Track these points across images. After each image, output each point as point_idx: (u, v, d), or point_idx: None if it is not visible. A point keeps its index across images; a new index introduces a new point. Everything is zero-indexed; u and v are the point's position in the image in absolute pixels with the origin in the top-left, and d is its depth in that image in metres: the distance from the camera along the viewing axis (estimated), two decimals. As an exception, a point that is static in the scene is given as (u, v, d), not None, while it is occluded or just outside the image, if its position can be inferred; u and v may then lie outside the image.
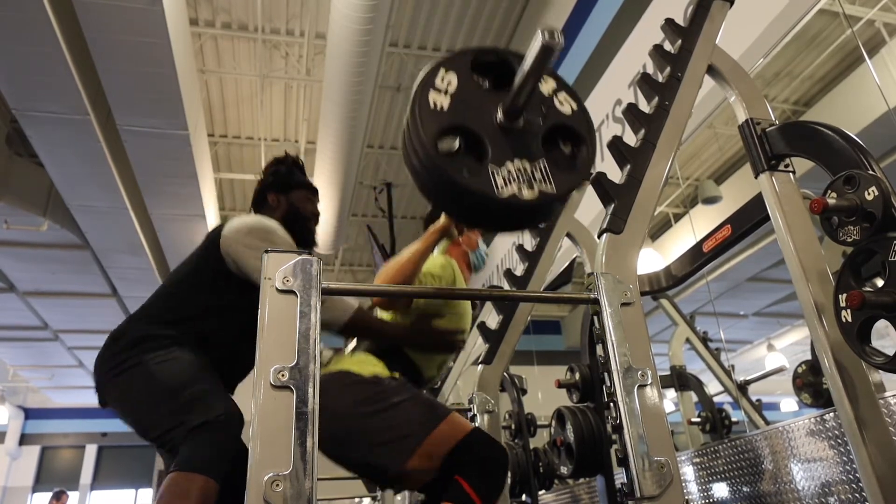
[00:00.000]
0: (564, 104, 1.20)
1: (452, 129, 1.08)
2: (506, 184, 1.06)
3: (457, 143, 1.08)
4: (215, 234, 1.82)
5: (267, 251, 1.00)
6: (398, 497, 3.54)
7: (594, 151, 1.17)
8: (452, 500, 1.47)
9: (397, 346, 1.82)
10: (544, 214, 1.17)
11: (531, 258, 2.64)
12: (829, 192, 1.15)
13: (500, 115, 1.11)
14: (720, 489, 2.11)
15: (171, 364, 1.61)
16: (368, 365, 1.74)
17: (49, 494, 9.93)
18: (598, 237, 1.25)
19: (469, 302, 1.96)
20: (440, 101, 1.09)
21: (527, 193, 1.06)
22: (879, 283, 1.04)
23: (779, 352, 7.51)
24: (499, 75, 1.15)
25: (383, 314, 1.95)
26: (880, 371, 1.10)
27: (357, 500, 6.22)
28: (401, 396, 1.64)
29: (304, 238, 1.98)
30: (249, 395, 0.90)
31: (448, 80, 1.11)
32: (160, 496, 1.42)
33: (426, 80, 1.10)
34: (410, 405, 1.63)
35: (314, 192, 2.08)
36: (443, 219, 1.82)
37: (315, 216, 2.06)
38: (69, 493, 10.07)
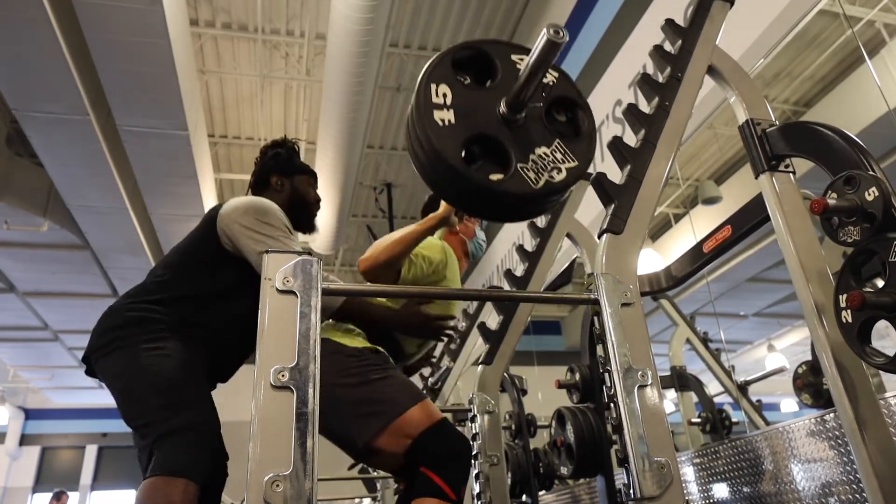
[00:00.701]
0: (548, 76, 1.23)
1: (471, 141, 1.10)
2: (538, 176, 1.11)
3: (471, 150, 1.10)
4: (213, 214, 1.81)
5: (267, 252, 1.00)
6: (397, 496, 3.53)
7: (590, 110, 1.22)
8: (426, 495, 1.49)
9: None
10: (568, 189, 1.21)
11: (531, 258, 2.63)
12: (830, 192, 1.15)
13: (503, 109, 1.13)
14: (720, 490, 2.11)
15: (158, 357, 1.59)
16: (354, 337, 1.76)
17: (49, 495, 9.93)
18: (599, 237, 1.25)
19: (459, 286, 1.97)
20: (446, 116, 1.10)
21: (557, 177, 1.12)
22: (880, 283, 1.04)
23: (779, 352, 7.51)
24: (478, 68, 1.17)
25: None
26: (880, 371, 1.10)
27: (357, 500, 6.22)
28: (380, 374, 1.66)
29: (307, 223, 1.98)
30: (249, 395, 0.90)
31: (442, 93, 1.12)
32: (139, 500, 1.40)
33: (422, 100, 1.10)
34: (388, 383, 1.65)
35: (315, 177, 2.07)
36: (443, 208, 1.81)
37: (317, 202, 2.05)
38: (69, 493, 10.06)
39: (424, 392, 1.72)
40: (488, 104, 1.14)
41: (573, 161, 1.16)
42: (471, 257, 2.13)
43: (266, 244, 1.67)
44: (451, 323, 1.84)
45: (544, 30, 1.01)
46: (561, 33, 1.00)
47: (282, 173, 1.99)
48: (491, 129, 1.11)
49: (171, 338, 1.64)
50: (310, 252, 1.69)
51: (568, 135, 1.19)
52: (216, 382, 1.83)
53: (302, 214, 1.92)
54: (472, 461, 1.69)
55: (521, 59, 1.19)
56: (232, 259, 1.75)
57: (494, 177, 1.08)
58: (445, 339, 1.85)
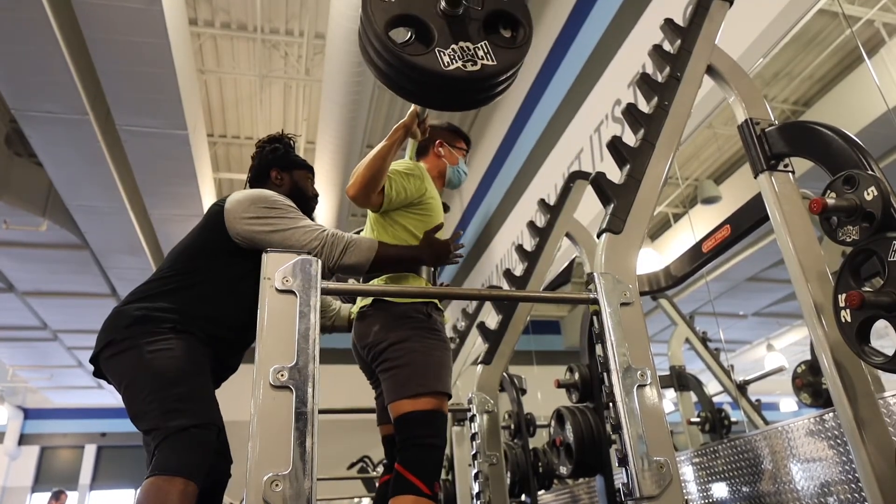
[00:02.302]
0: None
1: (401, 18, 1.24)
2: (451, 61, 1.23)
3: (408, 34, 1.25)
4: (217, 209, 1.81)
5: (266, 251, 1.00)
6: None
7: (531, 32, 1.34)
8: (399, 493, 1.57)
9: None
10: (489, 88, 1.33)
11: (530, 258, 2.64)
12: (829, 192, 1.15)
13: (442, 3, 1.26)
14: (719, 489, 2.11)
15: (164, 357, 1.60)
16: (413, 281, 1.87)
17: (48, 494, 9.92)
18: (598, 237, 1.25)
19: (439, 198, 1.99)
20: None
21: (470, 67, 1.24)
22: (879, 283, 1.04)
23: (778, 352, 7.51)
24: None
25: (369, 232, 1.99)
26: (879, 371, 1.10)
27: (357, 499, 6.22)
28: (439, 343, 1.77)
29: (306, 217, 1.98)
30: (249, 395, 0.90)
31: None
32: (139, 499, 1.42)
33: None
34: (434, 360, 1.73)
35: (312, 172, 2.08)
36: (406, 116, 1.83)
37: (315, 196, 2.07)
38: (68, 493, 10.06)
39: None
40: None
41: (492, 60, 1.26)
42: (448, 183, 2.14)
43: (280, 224, 1.70)
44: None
45: None
46: None
47: (281, 168, 2.00)
48: (422, 13, 1.25)
49: (176, 337, 1.65)
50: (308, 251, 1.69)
51: (500, 44, 1.30)
52: (224, 377, 1.84)
53: (301, 208, 1.92)
54: (443, 456, 1.75)
55: None
56: (241, 252, 1.76)
57: (413, 53, 1.22)
58: (460, 259, 1.92)
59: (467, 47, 1.25)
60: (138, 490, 1.46)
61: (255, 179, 2.02)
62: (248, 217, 1.73)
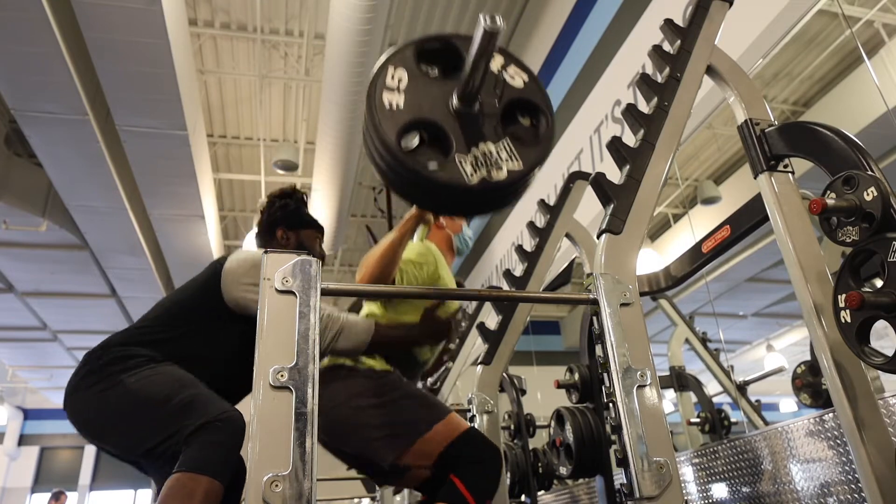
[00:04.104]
0: (516, 77, 1.22)
1: (412, 126, 1.10)
2: (474, 170, 1.09)
3: (417, 139, 1.10)
4: (217, 268, 1.76)
5: (266, 251, 1.00)
6: (397, 497, 3.53)
7: (553, 120, 1.20)
8: (447, 500, 1.49)
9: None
10: (516, 192, 1.19)
11: (530, 258, 2.63)
12: (829, 192, 1.15)
13: (455, 101, 1.13)
14: (719, 490, 2.11)
15: (153, 378, 1.55)
16: (365, 359, 1.75)
17: (48, 495, 9.92)
18: (598, 237, 1.25)
19: (452, 280, 1.96)
20: (394, 99, 1.10)
21: (496, 175, 1.10)
22: (878, 283, 1.04)
23: (778, 352, 7.51)
24: (446, 61, 1.17)
25: (369, 305, 1.95)
26: (879, 371, 1.10)
27: (356, 500, 6.22)
28: (398, 392, 1.67)
29: None
30: (249, 397, 0.90)
31: (398, 77, 1.12)
32: (163, 497, 1.37)
33: (375, 82, 1.11)
34: (408, 402, 1.65)
35: (321, 231, 2.03)
36: (415, 206, 1.82)
37: (323, 257, 2.00)
38: (68, 493, 10.06)
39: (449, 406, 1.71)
40: (444, 95, 1.14)
41: (517, 162, 1.13)
42: (457, 253, 2.13)
43: None
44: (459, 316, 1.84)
45: (480, 18, 1.02)
46: (496, 21, 1.01)
47: (288, 227, 1.95)
48: (435, 116, 1.11)
49: (158, 364, 1.59)
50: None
51: (522, 138, 1.17)
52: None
53: None
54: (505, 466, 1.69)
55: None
56: (233, 317, 1.70)
57: (430, 164, 1.08)
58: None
59: (489, 152, 1.12)
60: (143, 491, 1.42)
61: (261, 235, 1.97)
62: (246, 283, 1.68)
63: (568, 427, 2.29)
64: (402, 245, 1.73)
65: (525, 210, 5.33)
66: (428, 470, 1.58)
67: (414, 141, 1.10)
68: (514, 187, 1.15)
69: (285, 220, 1.95)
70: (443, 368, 3.05)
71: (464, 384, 3.42)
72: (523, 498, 2.93)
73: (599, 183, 1.30)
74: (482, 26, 1.01)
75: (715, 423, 3.60)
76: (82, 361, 1.65)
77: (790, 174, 1.35)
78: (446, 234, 2.09)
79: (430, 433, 1.58)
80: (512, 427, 3.05)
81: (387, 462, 1.59)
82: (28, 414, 12.78)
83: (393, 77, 1.12)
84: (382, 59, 1.14)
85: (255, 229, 2.02)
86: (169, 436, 1.47)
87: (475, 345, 3.37)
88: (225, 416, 1.49)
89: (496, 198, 1.17)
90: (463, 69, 1.10)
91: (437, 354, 2.08)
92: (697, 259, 2.04)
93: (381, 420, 1.61)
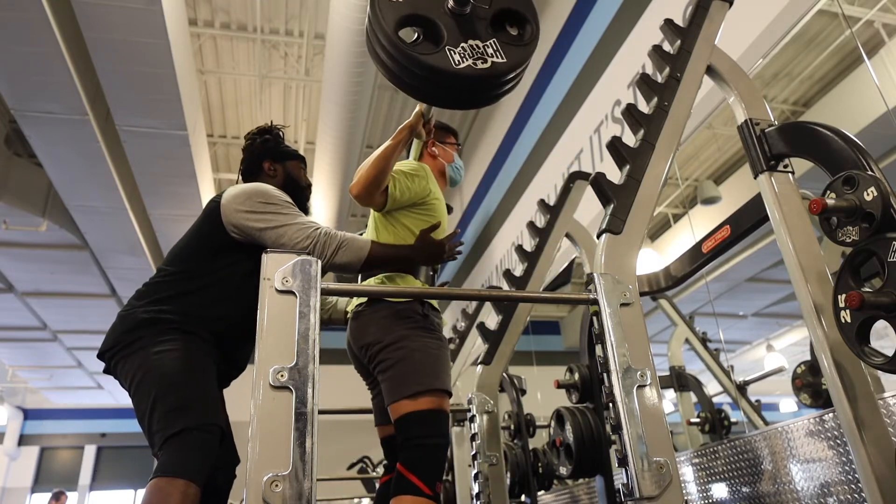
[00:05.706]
0: None
1: (410, 18, 1.26)
2: (461, 59, 1.25)
3: (416, 34, 1.27)
4: (213, 205, 1.82)
5: (266, 251, 1.00)
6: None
7: (538, 30, 1.37)
8: (401, 493, 1.56)
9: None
10: (499, 86, 1.34)
11: (530, 258, 2.64)
12: (829, 192, 1.15)
13: (450, 2, 1.28)
14: (719, 490, 2.11)
15: (168, 358, 1.62)
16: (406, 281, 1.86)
17: (48, 495, 9.91)
18: (598, 237, 1.25)
19: (443, 199, 1.99)
20: None
21: (481, 66, 1.26)
22: (878, 283, 1.04)
23: (778, 352, 7.51)
24: None
25: (369, 232, 1.99)
26: (879, 371, 1.10)
27: (356, 500, 6.22)
28: (434, 346, 1.75)
29: (301, 207, 1.97)
30: (249, 395, 0.90)
31: None
32: (143, 501, 1.44)
33: None
34: (433, 357, 1.73)
35: (304, 161, 2.10)
36: (412, 116, 1.83)
37: (309, 186, 2.08)
38: (68, 493, 10.05)
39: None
40: None
41: (502, 58, 1.28)
42: (449, 182, 2.15)
43: (275, 221, 1.70)
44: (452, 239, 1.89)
45: None
46: None
47: (274, 159, 2.01)
48: (431, 12, 1.28)
49: (181, 337, 1.66)
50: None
51: (508, 41, 1.32)
52: (233, 375, 1.85)
53: (296, 198, 1.92)
54: (447, 455, 1.76)
55: None
56: (239, 246, 1.76)
57: (423, 52, 1.23)
58: (458, 256, 1.91)
59: (476, 45, 1.27)
60: (143, 491, 1.48)
61: (248, 172, 2.02)
62: (243, 210, 1.74)
63: (568, 427, 2.30)
64: (395, 153, 1.77)
65: (525, 210, 5.33)
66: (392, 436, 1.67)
67: (414, 36, 1.26)
68: (498, 80, 1.30)
69: (269, 153, 2.01)
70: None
71: (464, 384, 3.42)
72: (523, 498, 2.93)
73: (599, 183, 1.30)
74: None
75: (715, 423, 3.60)
76: (115, 325, 1.74)
77: (790, 174, 1.36)
78: (439, 163, 2.12)
79: (425, 397, 1.66)
80: (512, 427, 3.05)
81: (387, 401, 1.70)
82: (28, 414, 12.77)
83: None
84: None
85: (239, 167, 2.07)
86: (156, 431, 1.55)
87: (475, 345, 3.38)
88: (206, 424, 1.57)
89: (481, 87, 1.31)
90: None
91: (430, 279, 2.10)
92: (697, 259, 2.04)
93: (410, 364, 1.68)
